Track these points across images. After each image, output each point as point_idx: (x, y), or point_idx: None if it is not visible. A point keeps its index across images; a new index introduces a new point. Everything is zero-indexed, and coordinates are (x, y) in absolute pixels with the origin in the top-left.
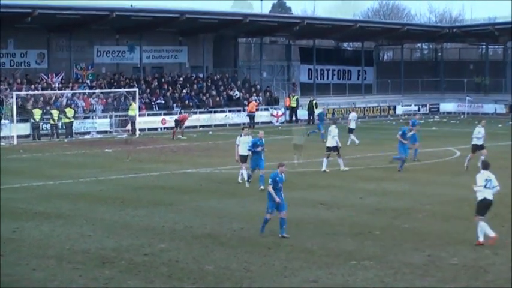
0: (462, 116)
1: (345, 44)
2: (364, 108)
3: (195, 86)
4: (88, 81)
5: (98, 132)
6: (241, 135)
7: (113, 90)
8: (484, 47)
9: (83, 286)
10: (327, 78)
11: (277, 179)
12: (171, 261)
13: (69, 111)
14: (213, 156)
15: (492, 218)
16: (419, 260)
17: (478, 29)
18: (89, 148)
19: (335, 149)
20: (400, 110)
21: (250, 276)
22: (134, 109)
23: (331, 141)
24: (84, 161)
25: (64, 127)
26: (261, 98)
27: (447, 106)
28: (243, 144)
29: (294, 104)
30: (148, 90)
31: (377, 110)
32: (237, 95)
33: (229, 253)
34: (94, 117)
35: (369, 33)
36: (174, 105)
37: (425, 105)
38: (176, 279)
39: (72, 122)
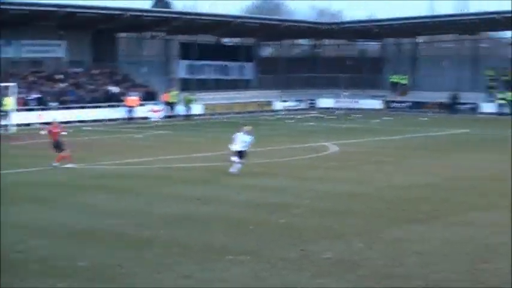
0: (338, 112)
1: (226, 40)
2: (243, 103)
3: (73, 80)
4: None
5: None
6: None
7: None
8: (362, 43)
9: None
10: (207, 74)
11: None
12: (43, 258)
13: None
14: (88, 152)
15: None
16: (294, 254)
17: (357, 26)
18: None
19: None
20: (278, 105)
21: (123, 273)
22: (9, 104)
23: None
24: None
25: None
26: (140, 94)
27: (324, 102)
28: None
29: (173, 100)
30: (25, 85)
31: (256, 105)
32: (113, 90)
33: (104, 249)
34: None
35: (249, 29)
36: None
37: (304, 101)
38: (48, 277)
39: None
